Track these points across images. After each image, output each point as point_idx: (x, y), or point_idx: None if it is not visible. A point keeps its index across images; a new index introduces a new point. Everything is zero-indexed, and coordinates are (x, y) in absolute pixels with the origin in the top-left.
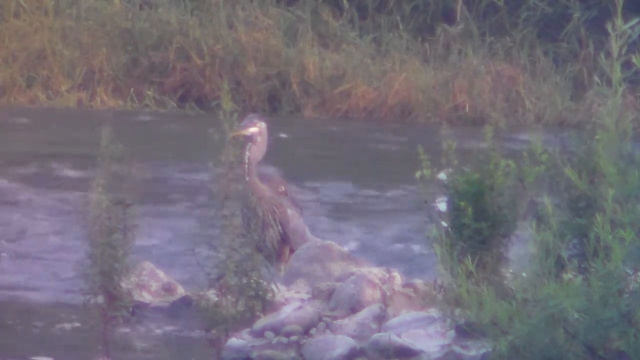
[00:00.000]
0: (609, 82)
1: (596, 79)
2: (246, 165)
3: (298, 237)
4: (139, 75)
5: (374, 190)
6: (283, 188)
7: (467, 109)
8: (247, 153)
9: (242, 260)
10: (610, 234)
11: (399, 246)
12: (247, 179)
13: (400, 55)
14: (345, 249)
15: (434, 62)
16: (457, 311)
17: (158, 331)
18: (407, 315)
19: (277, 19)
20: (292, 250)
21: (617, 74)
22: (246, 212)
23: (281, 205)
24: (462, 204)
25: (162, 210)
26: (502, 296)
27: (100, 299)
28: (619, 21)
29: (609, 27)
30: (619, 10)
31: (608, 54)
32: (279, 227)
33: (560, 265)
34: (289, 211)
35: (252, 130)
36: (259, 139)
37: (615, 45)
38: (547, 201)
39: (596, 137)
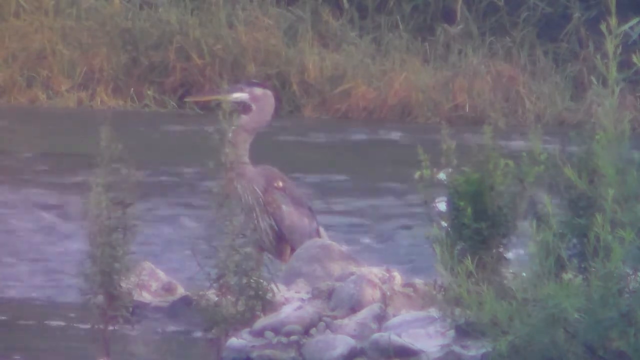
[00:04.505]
0: (607, 82)
1: (593, 79)
2: (231, 134)
3: (297, 235)
4: (139, 75)
5: (373, 189)
6: (281, 184)
7: (467, 108)
8: (234, 125)
9: (242, 260)
10: (610, 234)
11: (399, 246)
12: (228, 148)
13: (400, 55)
14: (345, 249)
15: (434, 62)
16: (457, 311)
17: (158, 331)
18: (407, 315)
19: (277, 19)
20: (293, 250)
21: (612, 74)
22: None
23: (274, 200)
24: (462, 203)
25: (162, 210)
26: (502, 296)
27: (100, 298)
28: (613, 20)
29: (603, 27)
30: (613, 9)
31: (605, 54)
32: (272, 222)
33: (560, 265)
34: (285, 207)
35: (238, 96)
36: (253, 105)
37: (610, 45)
38: (547, 201)
39: (596, 137)
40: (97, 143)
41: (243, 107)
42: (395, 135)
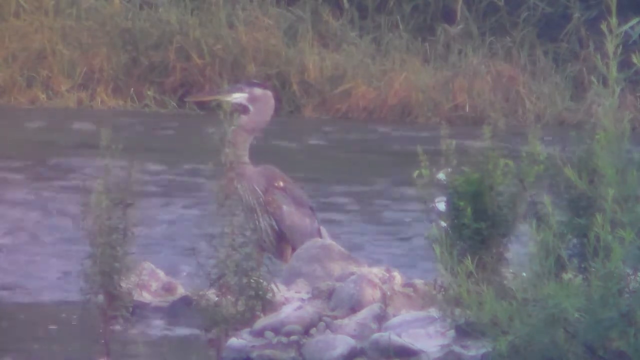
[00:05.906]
0: (606, 82)
1: (593, 79)
2: (229, 136)
3: (298, 235)
4: (139, 75)
5: (373, 189)
6: (282, 184)
7: (467, 108)
8: (233, 126)
9: (242, 260)
10: (610, 234)
11: (399, 246)
12: (228, 148)
13: (400, 55)
14: (345, 249)
15: (434, 62)
16: (457, 311)
17: (158, 331)
18: (407, 315)
19: (277, 19)
20: (294, 250)
21: (613, 74)
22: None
23: (275, 200)
24: (462, 203)
25: (162, 210)
26: (502, 296)
27: (100, 298)
28: (613, 20)
29: (603, 27)
30: (614, 9)
31: (605, 54)
32: (273, 222)
33: (560, 265)
34: (285, 207)
35: (238, 96)
36: (251, 106)
37: (610, 45)
38: (547, 201)
39: (596, 137)
40: (97, 143)
41: (243, 107)
42: (395, 135)
